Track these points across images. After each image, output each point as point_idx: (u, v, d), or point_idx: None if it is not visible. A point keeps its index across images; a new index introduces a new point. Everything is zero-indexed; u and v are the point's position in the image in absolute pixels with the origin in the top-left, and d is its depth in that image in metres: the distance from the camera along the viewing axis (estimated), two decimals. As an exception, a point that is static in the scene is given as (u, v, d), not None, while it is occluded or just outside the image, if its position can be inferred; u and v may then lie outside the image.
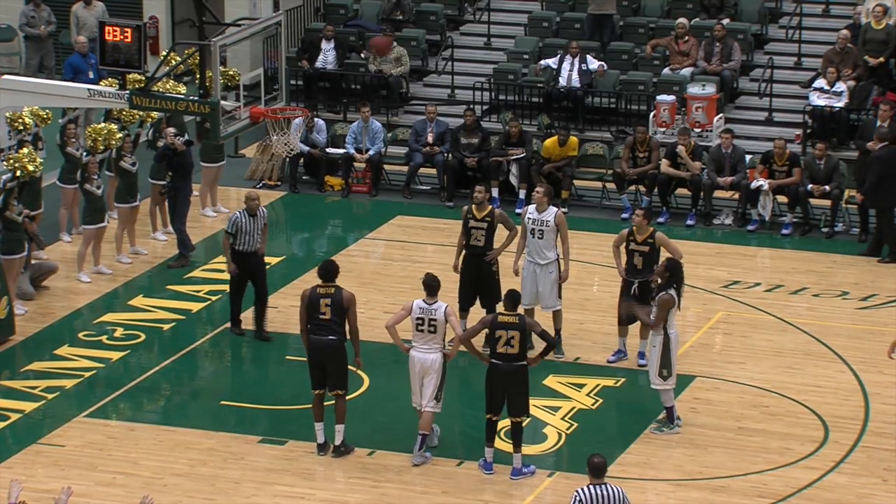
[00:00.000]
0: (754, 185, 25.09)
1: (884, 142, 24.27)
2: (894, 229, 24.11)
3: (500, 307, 18.50)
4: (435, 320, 18.00)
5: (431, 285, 18.28)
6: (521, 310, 18.27)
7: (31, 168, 22.01)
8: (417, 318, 18.07)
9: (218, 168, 26.04)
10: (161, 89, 22.02)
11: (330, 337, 18.37)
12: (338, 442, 18.51)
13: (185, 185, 24.32)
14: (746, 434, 18.93)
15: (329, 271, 18.73)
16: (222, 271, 23.97)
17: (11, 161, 22.01)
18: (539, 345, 17.98)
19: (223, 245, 21.38)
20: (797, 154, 25.76)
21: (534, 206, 20.73)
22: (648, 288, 20.14)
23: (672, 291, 18.61)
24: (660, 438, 18.89)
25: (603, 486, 14.32)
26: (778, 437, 18.84)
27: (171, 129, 23.91)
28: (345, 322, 18.44)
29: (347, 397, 18.93)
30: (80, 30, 30.90)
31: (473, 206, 20.77)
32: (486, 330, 18.15)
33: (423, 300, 18.16)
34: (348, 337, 18.40)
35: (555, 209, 20.65)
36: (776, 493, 17.65)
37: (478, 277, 20.76)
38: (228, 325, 21.94)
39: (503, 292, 18.56)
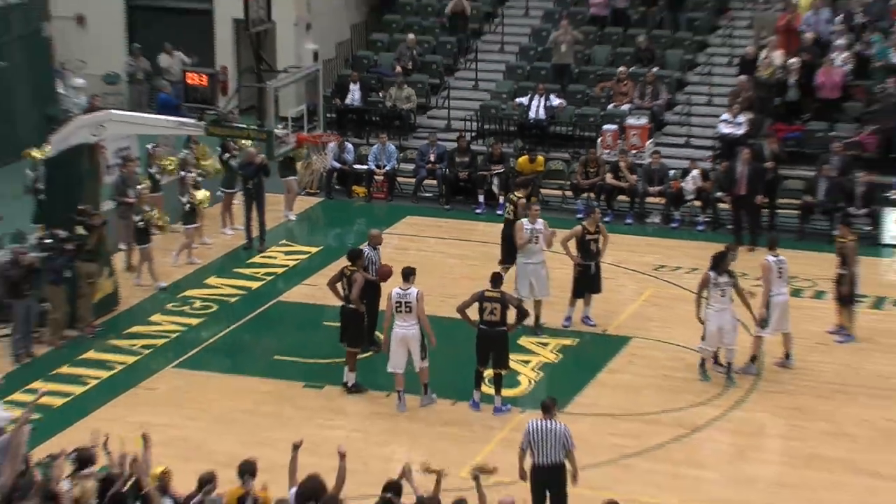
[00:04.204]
0: (690, 177, 25.32)
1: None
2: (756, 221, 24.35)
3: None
4: (410, 302, 17.83)
5: (406, 272, 18.10)
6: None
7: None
8: (396, 302, 17.90)
9: (292, 181, 25.94)
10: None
11: (349, 305, 18.52)
12: (351, 385, 18.64)
13: (263, 190, 24.26)
14: (671, 381, 19.00)
15: (350, 256, 18.83)
16: (274, 258, 24.10)
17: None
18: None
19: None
20: (708, 169, 25.81)
21: (527, 220, 20.14)
22: (599, 266, 20.42)
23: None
24: (607, 384, 18.97)
25: (550, 421, 14.39)
26: (694, 382, 18.89)
27: (253, 149, 23.67)
28: (358, 297, 18.48)
29: (371, 353, 19.18)
30: (165, 73, 31.05)
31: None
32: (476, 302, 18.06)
33: (400, 286, 17.97)
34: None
35: (542, 220, 20.28)
36: (692, 424, 17.76)
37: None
38: (273, 301, 22.07)
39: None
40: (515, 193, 21.87)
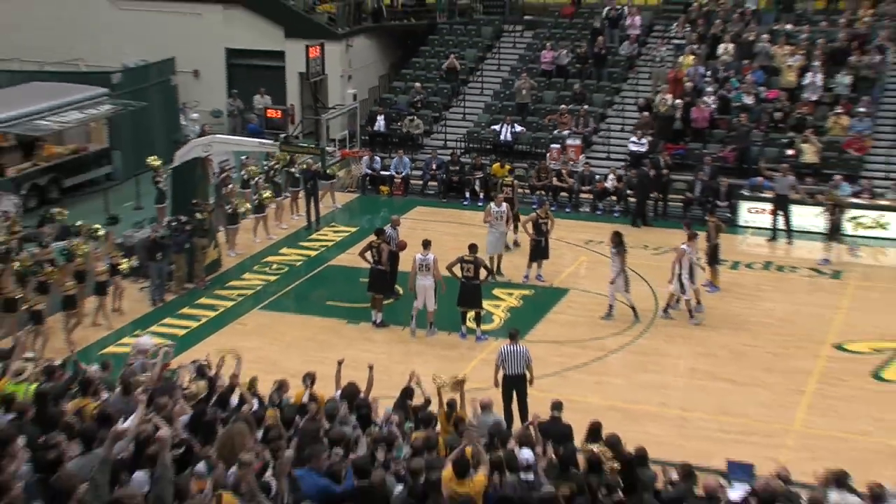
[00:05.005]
0: (609, 180, 25.02)
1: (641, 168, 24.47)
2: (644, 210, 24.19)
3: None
4: (428, 263, 17.76)
5: (425, 243, 18.08)
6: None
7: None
8: (419, 263, 17.81)
9: (330, 184, 25.65)
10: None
11: (377, 266, 18.36)
12: (378, 321, 18.44)
13: (318, 189, 24.01)
14: (596, 319, 18.84)
15: (376, 233, 18.67)
16: (326, 235, 23.87)
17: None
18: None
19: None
20: (622, 175, 25.61)
21: (494, 203, 20.45)
22: (548, 240, 20.16)
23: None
24: (553, 321, 18.76)
25: (515, 345, 14.31)
26: (612, 320, 18.75)
27: (311, 161, 23.45)
28: (386, 261, 18.31)
29: (392, 300, 18.90)
30: (256, 109, 30.70)
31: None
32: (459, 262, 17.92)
33: (421, 253, 17.90)
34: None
35: (505, 204, 20.39)
36: (610, 348, 17.66)
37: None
38: (326, 265, 21.74)
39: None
40: (506, 179, 22.08)
